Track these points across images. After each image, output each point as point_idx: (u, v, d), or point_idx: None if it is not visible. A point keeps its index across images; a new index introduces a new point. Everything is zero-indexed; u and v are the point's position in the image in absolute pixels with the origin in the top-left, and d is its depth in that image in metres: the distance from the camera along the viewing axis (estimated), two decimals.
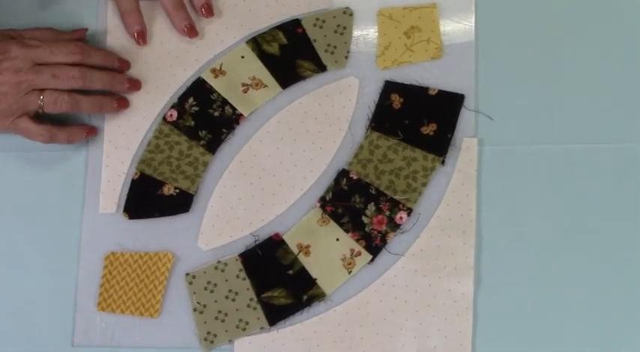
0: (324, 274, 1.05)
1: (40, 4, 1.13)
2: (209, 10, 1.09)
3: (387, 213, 1.05)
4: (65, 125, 1.07)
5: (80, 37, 1.09)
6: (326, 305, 1.04)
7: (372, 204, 1.05)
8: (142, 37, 1.10)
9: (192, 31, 1.09)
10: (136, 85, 1.09)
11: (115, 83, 1.07)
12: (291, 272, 1.05)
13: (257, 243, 1.06)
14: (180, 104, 1.09)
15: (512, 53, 1.07)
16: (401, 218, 1.05)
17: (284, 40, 1.10)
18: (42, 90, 1.03)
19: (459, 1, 1.09)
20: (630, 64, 1.06)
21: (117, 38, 1.11)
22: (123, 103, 1.08)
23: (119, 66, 1.08)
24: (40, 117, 1.05)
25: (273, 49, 1.10)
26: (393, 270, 1.04)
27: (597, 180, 1.03)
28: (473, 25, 1.08)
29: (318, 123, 1.08)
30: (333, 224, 1.06)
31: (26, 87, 1.02)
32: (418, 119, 1.06)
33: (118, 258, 1.07)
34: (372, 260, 1.04)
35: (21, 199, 1.09)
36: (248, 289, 1.05)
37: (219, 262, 1.06)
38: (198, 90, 1.09)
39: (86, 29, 1.10)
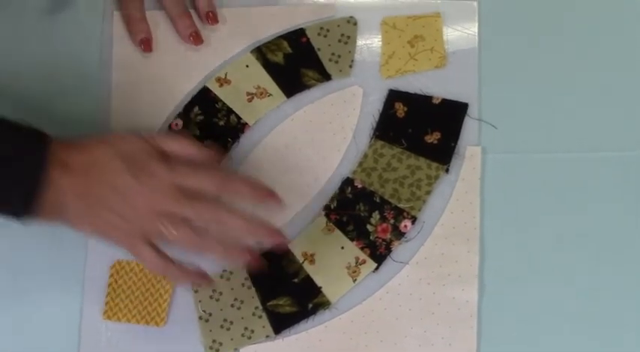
0: (329, 282, 1.05)
1: (46, 14, 1.13)
2: (214, 18, 1.10)
3: (392, 221, 1.05)
4: (182, 265, 0.97)
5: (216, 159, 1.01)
6: (331, 314, 1.04)
7: (377, 212, 1.06)
8: (147, 44, 1.10)
9: (197, 39, 1.09)
10: (280, 240, 0.98)
11: (255, 232, 0.98)
12: (296, 280, 1.05)
13: (262, 251, 1.06)
14: (185, 113, 1.09)
15: (515, 61, 1.08)
16: (405, 226, 1.05)
17: (288, 49, 1.10)
18: (173, 219, 0.94)
19: (462, 10, 1.10)
20: (633, 72, 1.06)
21: (123, 48, 1.11)
22: (255, 262, 0.99)
23: (271, 200, 0.99)
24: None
25: (278, 58, 1.10)
26: (397, 278, 1.04)
27: (601, 188, 1.04)
28: (476, 33, 1.09)
29: (323, 131, 1.08)
30: (337, 232, 1.06)
31: (160, 212, 0.94)
32: (422, 128, 1.07)
33: (124, 266, 1.07)
34: (376, 268, 1.04)
35: None
36: (253, 297, 1.05)
37: (224, 271, 1.06)
38: (203, 99, 1.10)
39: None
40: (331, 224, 1.06)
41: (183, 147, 0.98)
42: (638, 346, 1.01)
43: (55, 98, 1.11)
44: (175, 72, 1.11)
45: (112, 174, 0.94)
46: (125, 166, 0.94)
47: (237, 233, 0.97)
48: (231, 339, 1.05)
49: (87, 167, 0.94)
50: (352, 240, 1.05)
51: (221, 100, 1.09)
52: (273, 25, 1.11)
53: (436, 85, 1.08)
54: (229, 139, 1.09)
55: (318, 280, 1.05)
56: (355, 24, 1.10)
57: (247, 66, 1.10)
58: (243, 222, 0.96)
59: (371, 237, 1.05)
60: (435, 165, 1.06)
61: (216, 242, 0.95)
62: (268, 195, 0.98)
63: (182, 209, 0.94)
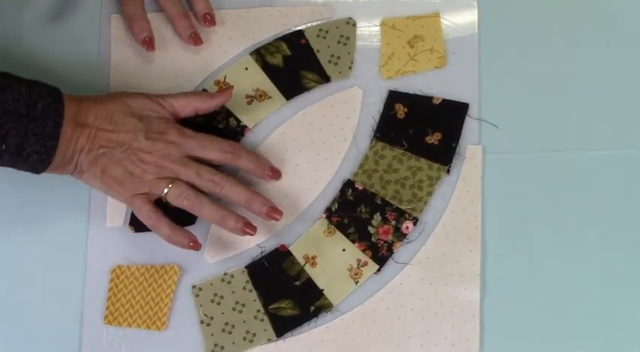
0: (331, 285, 1.05)
1: (44, 18, 1.13)
2: (211, 20, 1.09)
3: (393, 222, 1.05)
4: (176, 225, 1.02)
5: (227, 98, 1.06)
6: (333, 314, 1.04)
7: (378, 214, 1.05)
8: (150, 44, 1.09)
9: (197, 39, 1.09)
10: (276, 213, 1.03)
11: (252, 204, 1.03)
12: (297, 283, 1.05)
13: (263, 254, 1.06)
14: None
15: (515, 61, 1.08)
16: (407, 227, 1.05)
17: (287, 51, 1.10)
18: (174, 180, 1.01)
19: (461, 10, 1.09)
20: (632, 70, 1.06)
21: (121, 51, 1.11)
22: (249, 229, 1.02)
23: (270, 175, 1.06)
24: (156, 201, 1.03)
25: (277, 60, 1.10)
26: (399, 278, 1.04)
27: (601, 186, 1.04)
28: (476, 33, 1.08)
29: (323, 134, 1.08)
30: (339, 234, 1.06)
31: (166, 174, 1.01)
32: (423, 128, 1.07)
33: (125, 271, 1.07)
34: (378, 270, 1.04)
35: (28, 213, 1.08)
36: (255, 301, 1.05)
37: (225, 274, 1.06)
38: None
39: (231, 87, 1.08)
40: (332, 226, 1.06)
41: (190, 101, 1.05)
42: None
43: None
44: (174, 75, 1.10)
45: (126, 132, 1.01)
46: (140, 126, 1.01)
47: (237, 201, 1.03)
48: (233, 343, 1.04)
49: (101, 121, 1.00)
50: (354, 242, 1.05)
51: None
52: (271, 26, 1.11)
53: (436, 86, 1.07)
54: None
55: (320, 283, 1.05)
56: (354, 25, 1.10)
57: (246, 68, 1.10)
58: (243, 192, 1.02)
59: (372, 239, 1.05)
60: (436, 166, 1.05)
61: (215, 207, 1.01)
62: (271, 171, 1.06)
63: (187, 172, 1.01)
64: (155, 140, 1.00)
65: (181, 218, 1.06)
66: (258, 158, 1.05)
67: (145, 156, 1.00)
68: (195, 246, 1.02)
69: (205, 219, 1.03)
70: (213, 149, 1.02)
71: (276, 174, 1.06)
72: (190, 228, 1.06)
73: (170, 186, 1.00)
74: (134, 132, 1.00)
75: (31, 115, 0.95)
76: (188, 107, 1.04)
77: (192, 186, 1.01)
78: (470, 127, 1.06)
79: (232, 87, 1.08)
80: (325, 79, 1.09)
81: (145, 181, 1.00)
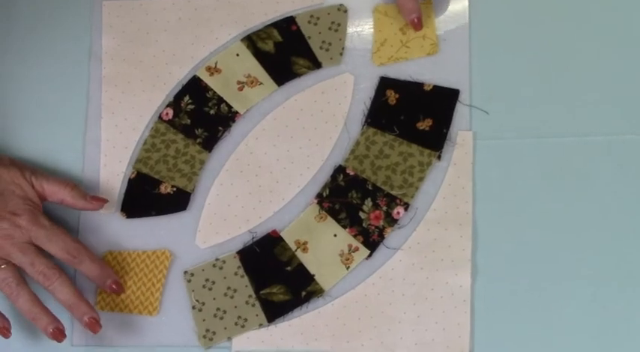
0: (323, 270, 1.05)
1: (34, 5, 1.13)
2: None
3: (384, 208, 1.05)
4: None
5: (97, 207, 1.06)
6: (324, 300, 1.04)
7: (369, 199, 1.05)
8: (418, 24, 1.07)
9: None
10: (96, 326, 1.02)
11: (75, 310, 1.02)
12: (289, 268, 1.05)
13: (255, 240, 1.06)
14: (175, 102, 1.09)
15: (506, 46, 1.07)
16: (398, 213, 1.05)
17: (279, 38, 1.10)
18: (7, 262, 1.02)
19: None
20: (625, 56, 1.06)
21: (112, 39, 1.11)
22: (58, 335, 1.02)
23: (113, 288, 1.04)
24: None
25: (268, 46, 1.10)
26: (390, 264, 1.04)
27: (593, 172, 1.03)
28: (467, 19, 1.08)
29: (314, 120, 1.08)
30: (330, 220, 1.06)
31: (1, 255, 1.01)
32: (414, 115, 1.07)
33: (116, 256, 1.07)
34: (369, 255, 1.04)
35: None
36: (246, 286, 1.05)
37: (217, 259, 1.06)
38: (194, 88, 1.10)
39: (106, 200, 1.07)
40: (324, 212, 1.06)
41: (60, 191, 1.05)
42: (636, 326, 1.01)
43: (45, 89, 1.11)
44: (165, 61, 1.11)
45: None
46: None
47: (62, 302, 1.02)
48: (225, 328, 1.04)
49: None
50: (345, 227, 1.05)
51: (212, 89, 1.09)
52: (262, 13, 1.11)
53: (427, 72, 1.07)
54: (220, 128, 1.09)
55: (311, 268, 1.05)
56: (345, 11, 1.10)
57: (238, 54, 1.10)
58: (70, 295, 1.02)
59: (364, 225, 1.05)
60: (427, 151, 1.06)
61: (31, 303, 1.01)
62: (114, 283, 1.04)
63: (22, 258, 1.01)
64: (3, 218, 1.01)
65: (171, 206, 1.07)
66: (101, 268, 1.04)
67: None
68: (4, 331, 1.03)
69: (19, 312, 1.02)
70: (57, 246, 1.02)
71: (119, 288, 1.05)
72: (181, 215, 1.07)
73: (2, 266, 1.01)
74: None
75: None
76: (57, 195, 1.05)
77: (24, 273, 1.02)
78: (461, 114, 1.06)
79: (107, 200, 1.07)
80: (316, 65, 1.09)
81: None
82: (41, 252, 1.02)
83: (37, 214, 1.03)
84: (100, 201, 1.06)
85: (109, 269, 1.05)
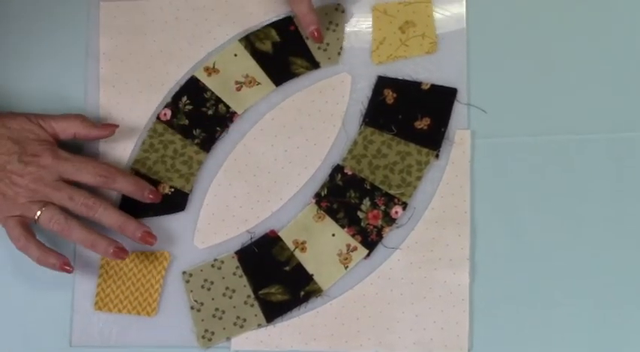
0: (321, 270, 1.05)
1: (31, 5, 1.13)
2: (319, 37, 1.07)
3: (383, 207, 1.05)
4: (46, 247, 1.03)
5: (110, 133, 1.08)
6: (322, 300, 1.04)
7: (367, 199, 1.05)
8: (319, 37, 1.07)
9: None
10: (151, 237, 1.04)
11: (126, 228, 1.03)
12: (287, 268, 1.05)
13: (253, 240, 1.06)
14: (173, 103, 1.09)
15: (504, 45, 1.07)
16: (396, 212, 1.05)
17: (276, 38, 1.10)
18: (47, 203, 1.02)
19: None
20: (624, 51, 1.06)
21: (110, 38, 1.11)
22: (121, 254, 1.02)
23: (150, 197, 1.06)
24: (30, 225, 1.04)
25: (266, 46, 1.10)
26: (388, 263, 1.04)
27: (590, 170, 1.03)
28: (464, 18, 1.08)
29: (312, 119, 1.08)
30: (328, 220, 1.06)
31: (39, 197, 1.02)
32: (412, 114, 1.07)
33: None
34: (368, 255, 1.04)
35: None
36: (245, 286, 1.05)
37: (215, 260, 1.06)
38: (192, 88, 1.10)
39: (117, 126, 1.08)
40: (322, 211, 1.06)
41: (71, 125, 1.06)
42: (633, 323, 1.01)
43: (43, 89, 1.11)
44: (163, 61, 1.11)
45: (0, 155, 1.02)
46: (15, 149, 1.03)
47: (111, 225, 1.03)
48: (224, 328, 1.04)
49: None
50: (343, 227, 1.05)
51: (209, 90, 1.09)
52: (261, 13, 1.11)
53: (425, 71, 1.07)
54: (218, 128, 1.09)
55: (310, 268, 1.05)
56: (343, 11, 1.10)
57: (235, 55, 1.10)
58: (117, 217, 1.03)
59: (362, 224, 1.05)
60: (425, 150, 1.05)
61: (86, 231, 1.02)
62: (151, 193, 1.06)
63: (60, 196, 1.02)
64: (27, 163, 1.02)
65: (169, 206, 1.07)
66: (136, 180, 1.06)
67: (17, 179, 1.02)
68: (66, 267, 1.03)
69: (76, 243, 1.04)
70: (87, 172, 1.03)
71: (156, 196, 1.06)
72: (179, 215, 1.07)
73: (43, 209, 1.02)
74: (8, 154, 1.02)
75: None
76: (68, 130, 1.06)
77: (66, 209, 1.02)
78: (459, 113, 1.06)
79: (117, 125, 1.08)
80: (314, 65, 1.09)
81: (18, 204, 1.02)
82: (75, 185, 1.03)
83: (57, 150, 1.04)
84: (112, 127, 1.07)
85: (142, 181, 1.06)
